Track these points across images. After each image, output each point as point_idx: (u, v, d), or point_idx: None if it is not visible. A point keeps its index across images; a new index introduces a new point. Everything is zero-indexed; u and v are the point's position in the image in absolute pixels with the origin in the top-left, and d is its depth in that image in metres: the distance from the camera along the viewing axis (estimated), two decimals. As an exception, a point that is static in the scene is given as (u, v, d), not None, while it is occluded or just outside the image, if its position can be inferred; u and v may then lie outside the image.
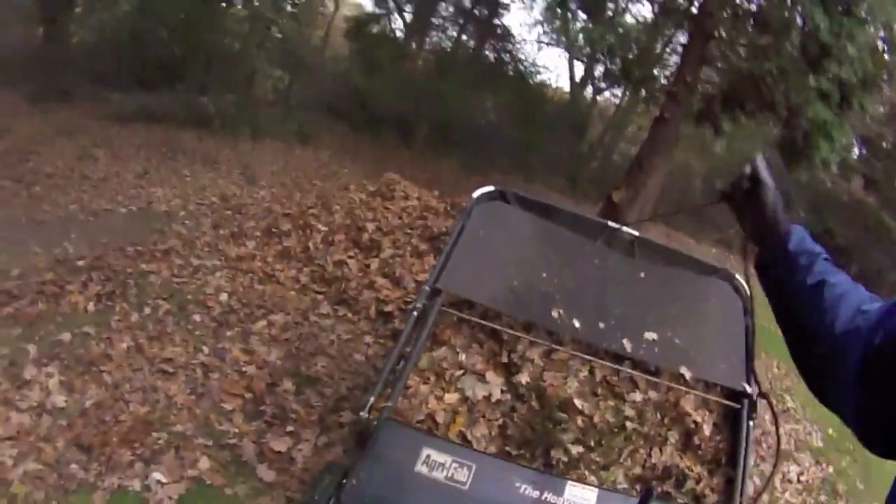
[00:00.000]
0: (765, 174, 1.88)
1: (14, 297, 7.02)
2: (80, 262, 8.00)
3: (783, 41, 12.59)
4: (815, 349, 1.57)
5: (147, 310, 6.95)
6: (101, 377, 5.75)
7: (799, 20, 12.58)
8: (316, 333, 7.00)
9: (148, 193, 11.56)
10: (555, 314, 4.14)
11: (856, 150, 23.74)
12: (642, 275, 4.47)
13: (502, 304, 4.17)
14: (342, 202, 9.75)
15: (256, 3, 19.15)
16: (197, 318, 6.94)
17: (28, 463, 4.69)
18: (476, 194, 4.53)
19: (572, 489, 3.57)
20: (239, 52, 20.90)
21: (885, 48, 13.53)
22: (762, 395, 3.96)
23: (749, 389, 4.16)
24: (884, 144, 23.90)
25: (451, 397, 3.89)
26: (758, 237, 1.86)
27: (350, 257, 8.44)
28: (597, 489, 3.61)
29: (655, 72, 19.02)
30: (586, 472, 3.88)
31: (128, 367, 5.93)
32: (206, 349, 6.38)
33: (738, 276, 4.45)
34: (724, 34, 14.97)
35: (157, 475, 4.74)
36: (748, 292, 4.28)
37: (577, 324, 4.15)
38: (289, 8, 19.77)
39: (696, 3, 15.67)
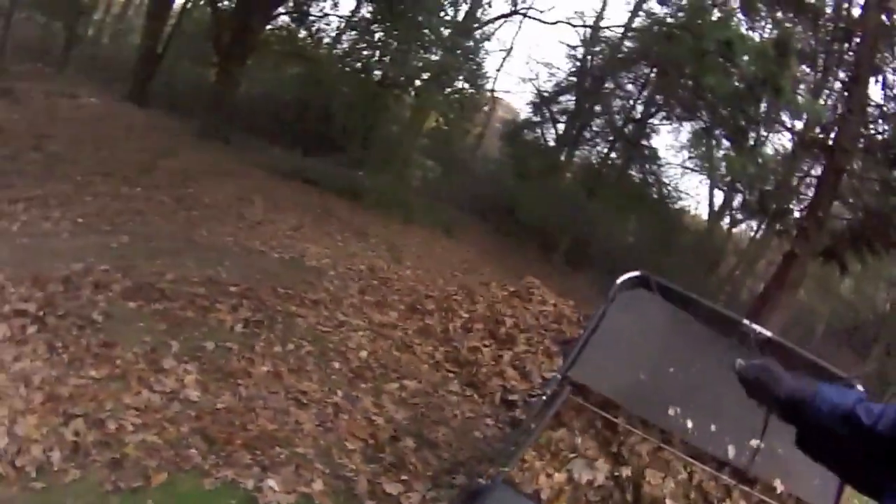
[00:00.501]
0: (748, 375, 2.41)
1: (166, 297, 7.52)
2: (233, 288, 8.44)
3: None
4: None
5: (290, 346, 7.33)
6: (237, 388, 6.11)
7: None
8: (442, 406, 7.21)
9: (301, 246, 12.00)
10: (671, 412, 4.25)
11: None
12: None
13: (623, 397, 4.25)
14: (484, 294, 10.09)
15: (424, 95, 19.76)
16: (336, 364, 7.28)
17: (148, 434, 5.03)
18: (621, 279, 4.61)
19: None
20: (398, 137, 21.66)
21: None
22: None
23: None
24: None
25: (560, 476, 4.01)
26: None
27: (485, 345, 8.71)
28: None
29: (791, 205, 18.81)
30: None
31: (264, 388, 6.28)
32: (340, 392, 6.68)
33: (859, 386, 4.32)
34: (856, 167, 14.93)
35: (271, 482, 4.94)
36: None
37: (689, 424, 4.24)
38: (454, 103, 20.28)
39: (831, 137, 15.68)
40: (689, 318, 4.66)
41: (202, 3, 23.77)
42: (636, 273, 4.69)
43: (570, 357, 4.35)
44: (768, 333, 4.54)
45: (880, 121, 15.59)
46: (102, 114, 18.42)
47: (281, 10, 21.80)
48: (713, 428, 4.24)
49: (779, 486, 4.12)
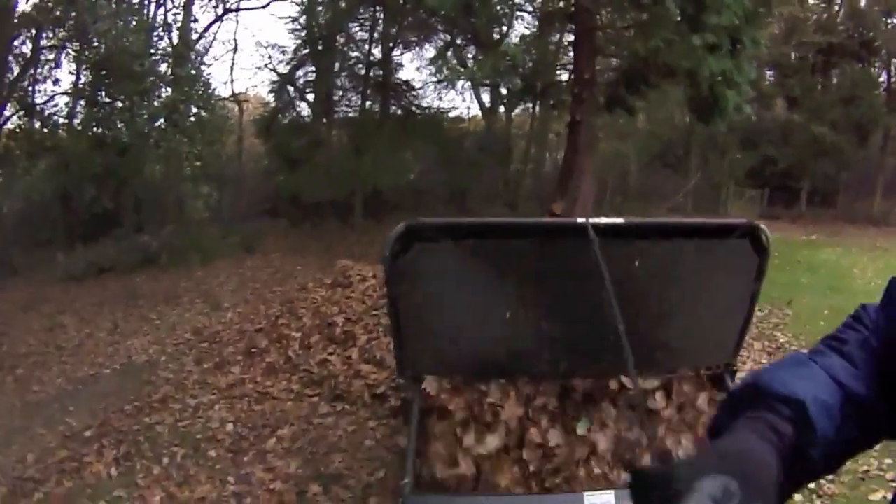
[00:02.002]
0: None
1: (39, 482, 7.43)
2: (88, 433, 8.41)
3: (661, 11, 12.92)
4: None
5: (165, 459, 7.44)
6: (148, 529, 6.25)
7: None
8: (324, 434, 7.51)
9: (125, 348, 11.85)
10: (526, 359, 4.36)
11: (768, 75, 24.63)
12: (637, 263, 4.10)
13: (479, 372, 4.31)
14: (306, 304, 10.31)
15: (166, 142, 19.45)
16: (212, 453, 7.45)
17: None
18: (389, 243, 4.05)
19: (590, 499, 3.87)
20: (162, 183, 21.33)
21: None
22: None
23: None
24: (792, 59, 24.81)
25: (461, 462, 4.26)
26: None
27: (330, 354, 8.96)
28: (612, 491, 3.92)
29: (556, 78, 19.55)
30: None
31: (168, 514, 6.43)
32: (231, 479, 6.89)
33: (762, 225, 4.13)
34: (605, 21, 15.61)
35: None
36: (769, 243, 4.11)
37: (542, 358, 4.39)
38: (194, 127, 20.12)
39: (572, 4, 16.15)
40: (497, 252, 4.20)
41: None
42: (401, 227, 4.09)
43: (395, 356, 4.42)
44: (619, 220, 4.20)
45: None
46: None
47: (7, 112, 21.04)
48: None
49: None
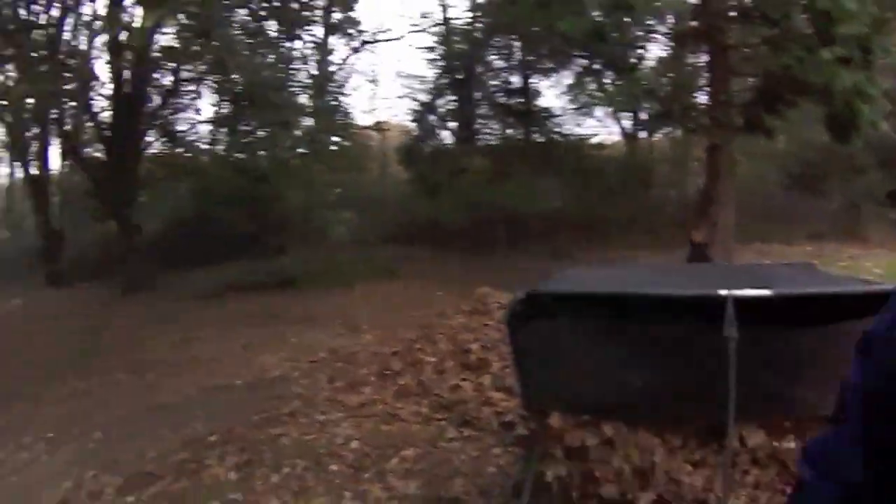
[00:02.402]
0: None
1: (157, 477, 7.47)
2: (212, 438, 8.41)
3: (789, 27, 12.70)
4: None
5: (286, 469, 7.32)
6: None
7: None
8: (448, 458, 7.25)
9: (258, 362, 11.93)
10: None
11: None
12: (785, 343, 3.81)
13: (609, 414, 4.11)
14: (444, 330, 10.12)
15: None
16: (334, 467, 7.27)
17: None
18: (509, 311, 4.05)
19: None
20: (305, 208, 21.65)
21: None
22: None
23: None
24: None
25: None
26: None
27: (463, 380, 8.76)
28: None
29: (692, 100, 18.88)
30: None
31: (280, 525, 6.26)
32: (348, 494, 6.69)
33: None
34: (737, 40, 15.09)
35: None
36: None
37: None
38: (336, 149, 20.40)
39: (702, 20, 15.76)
40: (619, 318, 3.97)
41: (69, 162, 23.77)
42: (521, 296, 4.00)
43: (520, 391, 4.36)
44: (753, 293, 3.65)
45: None
46: (27, 314, 18.24)
47: (149, 138, 21.99)
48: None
49: None
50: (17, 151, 24.04)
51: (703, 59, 17.96)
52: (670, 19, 18.67)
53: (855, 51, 12.41)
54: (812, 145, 23.46)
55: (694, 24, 16.41)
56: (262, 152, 19.49)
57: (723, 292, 3.52)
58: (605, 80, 18.32)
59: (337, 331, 13.73)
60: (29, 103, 18.77)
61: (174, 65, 21.46)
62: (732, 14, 15.16)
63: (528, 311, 3.94)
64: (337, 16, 23.04)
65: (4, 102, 18.92)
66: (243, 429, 8.60)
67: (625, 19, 14.80)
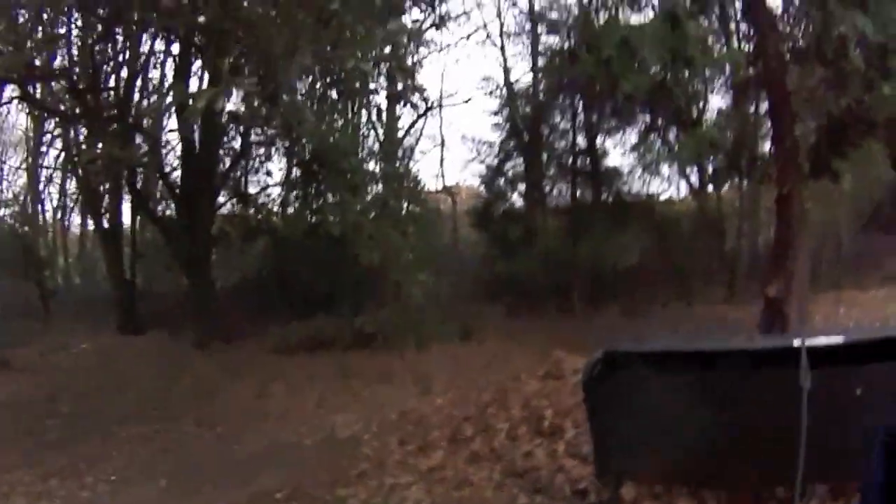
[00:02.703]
0: None
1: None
2: (278, 495, 8.41)
3: (846, 64, 12.31)
4: None
5: (353, 533, 7.19)
6: None
7: (844, 30, 12.16)
8: (520, 526, 7.07)
9: (330, 421, 11.92)
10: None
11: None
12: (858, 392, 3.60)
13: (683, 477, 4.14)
14: (517, 394, 9.94)
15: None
16: (402, 534, 7.13)
17: None
18: (587, 369, 4.04)
19: None
20: (381, 268, 21.75)
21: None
22: None
23: None
24: None
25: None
26: None
27: (536, 446, 8.56)
28: None
29: (758, 150, 18.56)
30: None
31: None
32: (419, 563, 6.53)
33: None
34: (797, 84, 14.79)
35: None
36: None
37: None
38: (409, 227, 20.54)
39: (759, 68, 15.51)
40: (695, 375, 3.94)
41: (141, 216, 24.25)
42: (598, 355, 3.99)
43: (594, 456, 4.28)
44: (826, 341, 3.56)
45: (796, 27, 15.67)
46: (98, 359, 18.59)
47: (221, 199, 22.33)
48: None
49: None
50: (90, 205, 24.66)
51: (765, 107, 17.72)
52: (729, 70, 18.54)
53: None
54: (880, 183, 22.96)
55: (751, 71, 16.22)
56: (332, 217, 19.65)
57: (796, 342, 3.42)
58: (670, 137, 18.26)
59: (410, 391, 13.67)
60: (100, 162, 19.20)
61: (242, 128, 21.83)
62: (788, 57, 14.89)
63: (606, 371, 3.91)
64: (399, 85, 23.40)
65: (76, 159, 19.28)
66: (311, 487, 8.59)
67: (685, 73, 14.70)
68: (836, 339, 3.59)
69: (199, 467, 10.08)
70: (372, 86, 20.36)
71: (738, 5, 17.67)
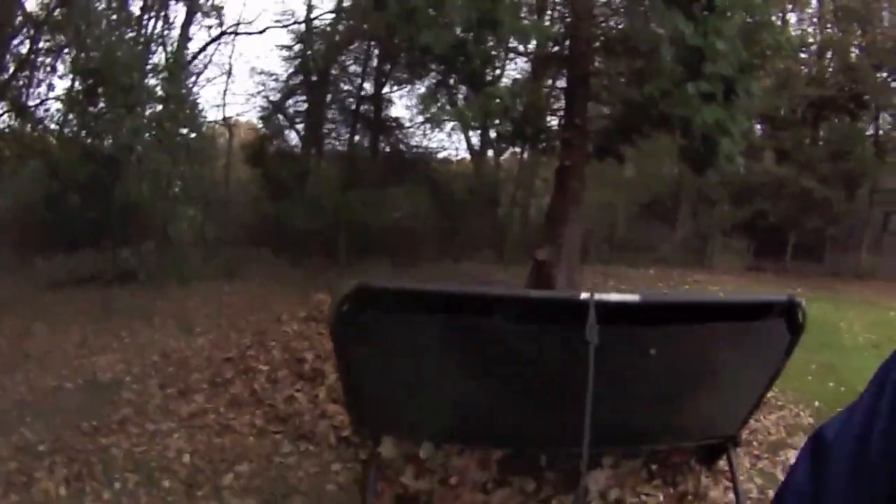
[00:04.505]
0: None
1: (-16, 492, 7.24)
2: (41, 447, 8.23)
3: (657, 59, 12.93)
4: None
5: (117, 485, 7.28)
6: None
7: (662, 31, 12.88)
8: (284, 474, 7.34)
9: (91, 363, 11.63)
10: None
11: (758, 128, 24.45)
12: (652, 352, 3.75)
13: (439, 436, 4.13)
14: (278, 336, 10.14)
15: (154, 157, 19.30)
16: (166, 483, 7.28)
17: None
18: (336, 302, 3.68)
19: None
20: (147, 201, 21.17)
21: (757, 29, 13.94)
22: None
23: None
24: (781, 112, 24.61)
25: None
26: None
27: (297, 391, 8.82)
28: None
29: (546, 123, 19.24)
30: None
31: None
32: (182, 513, 6.72)
33: (802, 303, 3.79)
34: (600, 66, 15.56)
35: None
36: (805, 320, 3.77)
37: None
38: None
39: (566, 47, 16.16)
40: (460, 324, 3.77)
41: None
42: (352, 286, 3.65)
43: (350, 416, 4.20)
44: (634, 297, 3.80)
45: (612, 18, 16.47)
46: None
47: None
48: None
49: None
50: None
51: (562, 83, 18.35)
52: (534, 42, 19.04)
53: (720, 89, 12.81)
54: (660, 176, 24.59)
55: (556, 48, 16.75)
56: (107, 136, 18.92)
57: (584, 295, 3.53)
58: (459, 95, 18.60)
59: (171, 332, 13.45)
60: None
61: (33, 31, 20.60)
62: (598, 45, 15.58)
63: (357, 309, 3.60)
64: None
65: None
66: (73, 437, 8.45)
67: (489, 37, 14.96)
68: (632, 298, 3.80)
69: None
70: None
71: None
